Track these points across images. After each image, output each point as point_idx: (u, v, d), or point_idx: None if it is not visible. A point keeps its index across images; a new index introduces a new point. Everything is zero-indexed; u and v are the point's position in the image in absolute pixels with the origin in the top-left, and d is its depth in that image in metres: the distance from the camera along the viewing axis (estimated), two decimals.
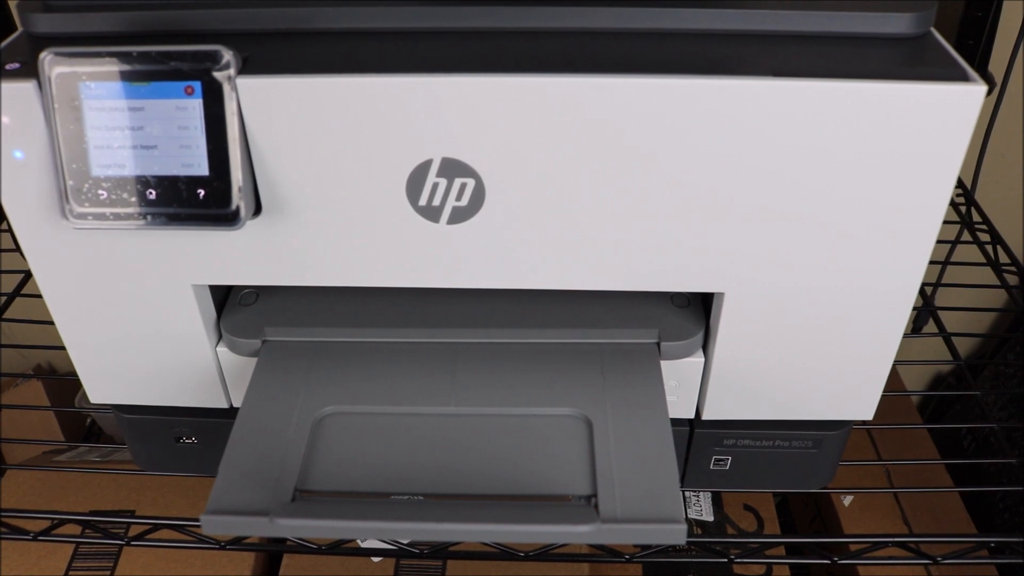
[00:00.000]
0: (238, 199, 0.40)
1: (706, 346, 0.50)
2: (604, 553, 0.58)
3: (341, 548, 0.59)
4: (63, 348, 0.50)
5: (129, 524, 0.81)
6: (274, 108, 0.39)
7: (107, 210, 0.41)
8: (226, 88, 0.38)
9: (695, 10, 0.41)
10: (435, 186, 0.42)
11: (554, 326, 0.50)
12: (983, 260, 0.80)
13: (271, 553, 0.89)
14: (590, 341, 0.50)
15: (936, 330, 0.76)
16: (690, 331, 0.50)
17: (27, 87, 0.39)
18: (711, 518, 0.94)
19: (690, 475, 0.57)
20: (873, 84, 0.38)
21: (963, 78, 0.38)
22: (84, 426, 1.21)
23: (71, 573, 0.86)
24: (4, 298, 0.76)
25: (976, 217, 0.83)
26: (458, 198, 0.42)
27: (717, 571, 0.88)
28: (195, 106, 0.39)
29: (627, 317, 0.51)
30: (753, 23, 0.42)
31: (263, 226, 0.43)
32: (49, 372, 1.25)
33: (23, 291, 0.76)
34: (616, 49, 0.41)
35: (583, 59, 0.40)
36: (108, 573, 0.86)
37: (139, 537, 0.59)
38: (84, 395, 0.80)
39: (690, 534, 0.48)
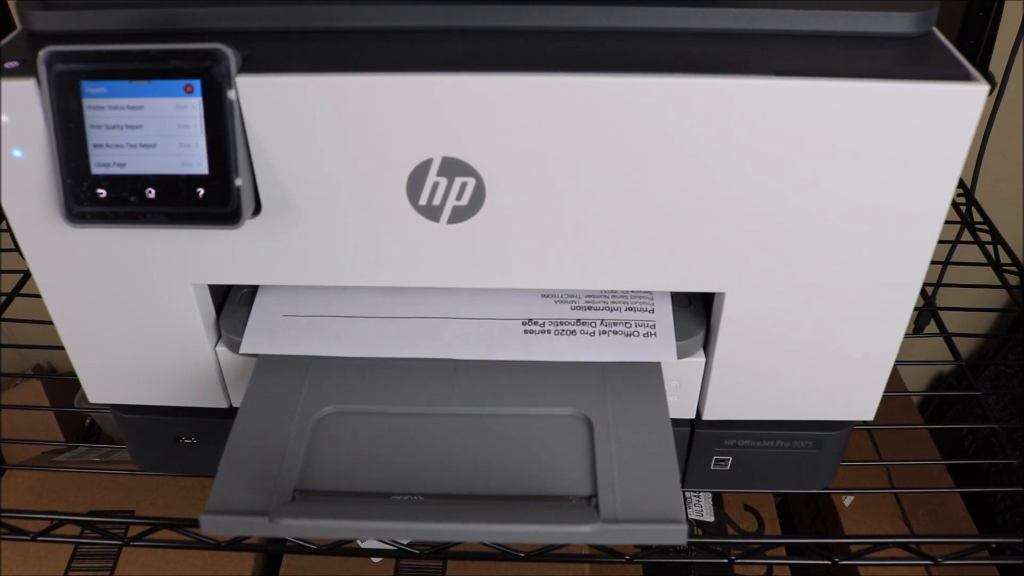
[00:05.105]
0: (238, 198, 0.40)
1: (707, 346, 0.50)
2: (604, 553, 0.58)
3: (341, 548, 0.59)
4: (63, 348, 0.50)
5: (128, 524, 0.81)
6: (274, 107, 0.39)
7: (106, 209, 0.41)
8: (226, 86, 0.38)
9: (697, 9, 0.41)
10: (435, 185, 0.41)
11: None
12: (984, 260, 0.80)
13: (271, 553, 0.88)
14: None
15: (937, 330, 0.76)
16: (691, 331, 0.50)
17: (26, 85, 0.39)
18: (711, 518, 0.93)
19: (691, 475, 0.57)
20: (875, 83, 0.38)
21: (965, 77, 0.38)
22: (83, 426, 1.21)
23: (70, 573, 0.86)
24: (4, 298, 0.76)
25: (977, 217, 0.83)
26: (458, 197, 0.42)
27: (718, 571, 0.88)
28: (195, 104, 0.39)
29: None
30: (755, 22, 0.41)
31: (263, 225, 0.43)
32: (49, 372, 1.24)
33: (23, 291, 0.76)
34: (617, 48, 0.41)
35: (584, 58, 0.40)
36: (107, 573, 0.86)
37: (138, 537, 0.59)
38: (83, 395, 0.80)
39: (690, 534, 0.48)
